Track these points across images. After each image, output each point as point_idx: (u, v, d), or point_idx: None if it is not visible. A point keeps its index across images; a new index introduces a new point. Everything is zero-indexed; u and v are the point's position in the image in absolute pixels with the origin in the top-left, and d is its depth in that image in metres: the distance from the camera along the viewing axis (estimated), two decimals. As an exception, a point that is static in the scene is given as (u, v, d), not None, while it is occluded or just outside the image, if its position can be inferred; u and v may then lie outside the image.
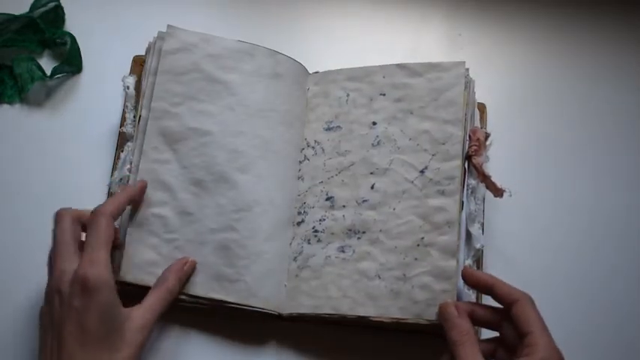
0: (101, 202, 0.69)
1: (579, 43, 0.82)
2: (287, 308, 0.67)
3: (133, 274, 0.66)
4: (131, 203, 0.66)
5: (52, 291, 0.59)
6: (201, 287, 0.66)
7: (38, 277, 0.69)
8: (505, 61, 0.81)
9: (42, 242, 0.70)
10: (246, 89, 0.71)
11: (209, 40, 0.72)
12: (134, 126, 0.70)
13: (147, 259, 0.66)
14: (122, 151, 0.70)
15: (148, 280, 0.65)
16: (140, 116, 0.70)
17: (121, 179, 0.69)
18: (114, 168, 0.71)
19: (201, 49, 0.71)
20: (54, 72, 0.75)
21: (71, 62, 0.76)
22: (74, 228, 0.62)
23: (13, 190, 0.73)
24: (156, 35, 0.72)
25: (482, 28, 0.83)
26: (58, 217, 0.63)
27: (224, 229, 0.67)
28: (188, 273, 0.66)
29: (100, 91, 0.76)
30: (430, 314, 0.63)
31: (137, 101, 0.72)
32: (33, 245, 0.70)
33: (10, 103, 0.75)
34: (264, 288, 0.67)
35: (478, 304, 0.65)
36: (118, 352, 0.58)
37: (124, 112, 0.72)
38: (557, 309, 0.71)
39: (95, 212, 0.61)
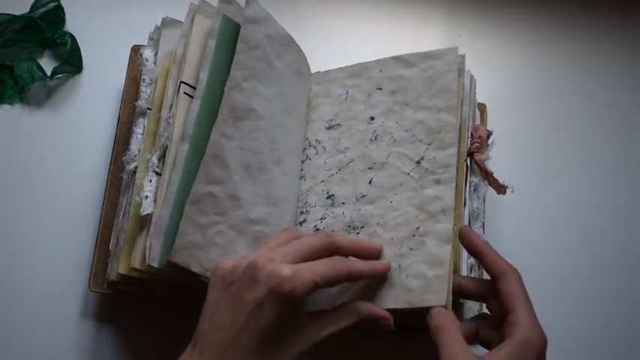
0: (101, 202, 0.70)
1: (579, 43, 0.83)
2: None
3: (180, 255, 0.60)
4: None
5: (255, 272, 0.54)
6: None
7: (39, 276, 0.70)
8: (505, 62, 0.82)
9: (42, 242, 0.70)
10: (285, 80, 0.69)
11: (270, 20, 0.69)
12: (150, 100, 0.68)
13: (193, 241, 0.61)
14: (134, 126, 0.68)
15: (192, 263, 0.60)
16: (182, 82, 0.65)
17: (137, 153, 0.66)
18: (114, 156, 0.70)
19: (264, 27, 0.68)
20: (54, 72, 0.75)
21: (71, 62, 0.76)
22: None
23: (13, 189, 0.72)
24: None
25: (482, 28, 0.83)
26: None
27: (260, 221, 0.64)
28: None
29: (100, 91, 0.76)
30: (424, 301, 0.60)
31: (166, 72, 0.68)
32: (33, 245, 0.71)
33: (11, 103, 0.75)
34: None
35: (466, 277, 0.63)
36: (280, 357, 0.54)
37: (131, 86, 0.71)
38: (557, 308, 0.72)
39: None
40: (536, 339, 0.54)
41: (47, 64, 0.76)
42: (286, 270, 0.53)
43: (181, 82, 0.65)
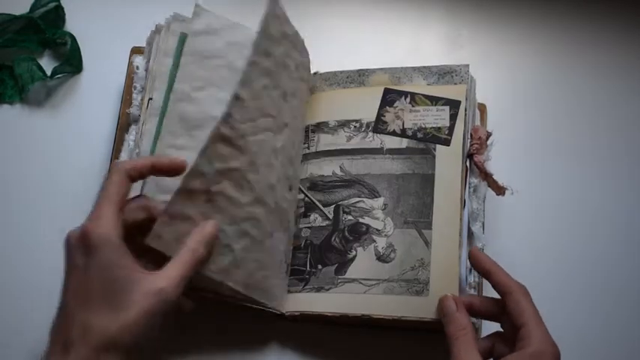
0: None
1: (580, 42, 0.82)
2: (288, 307, 0.67)
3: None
4: (156, 173, 0.60)
5: (65, 242, 0.57)
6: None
7: (38, 277, 0.70)
8: (505, 61, 0.82)
9: (42, 241, 0.70)
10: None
11: (234, 27, 0.70)
12: (141, 108, 0.69)
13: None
14: (127, 133, 0.69)
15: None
16: (150, 99, 0.68)
17: None
18: (114, 156, 0.70)
19: (225, 35, 0.69)
20: (54, 72, 0.75)
21: (71, 62, 0.76)
22: (121, 183, 0.57)
23: (13, 189, 0.73)
24: (170, 15, 0.71)
25: (483, 27, 0.83)
26: (111, 169, 0.59)
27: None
28: (213, 235, 0.59)
29: (100, 91, 0.76)
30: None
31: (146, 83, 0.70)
32: (33, 244, 0.71)
33: (11, 103, 0.75)
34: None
35: (477, 296, 0.65)
36: (122, 313, 0.53)
37: (127, 93, 0.72)
38: (557, 308, 0.71)
39: (110, 167, 0.59)
40: (548, 352, 0.56)
41: (47, 64, 0.76)
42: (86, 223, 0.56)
43: (149, 98, 0.68)
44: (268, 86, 0.65)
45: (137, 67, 0.71)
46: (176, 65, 0.69)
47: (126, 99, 0.72)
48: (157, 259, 0.58)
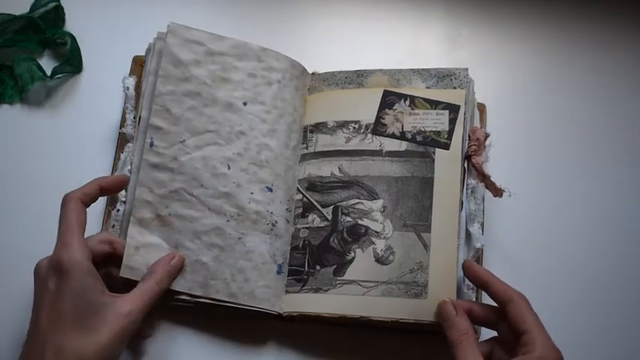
0: (100, 203, 0.70)
1: (580, 42, 0.82)
2: (286, 307, 0.68)
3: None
4: (103, 193, 0.65)
5: (35, 270, 0.60)
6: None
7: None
8: (505, 61, 0.81)
9: (42, 241, 0.70)
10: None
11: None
12: (134, 127, 0.70)
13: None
14: (122, 152, 0.70)
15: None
16: (140, 117, 0.70)
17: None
18: (114, 169, 0.71)
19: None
20: (54, 72, 0.75)
21: (71, 62, 0.76)
22: (78, 210, 0.61)
23: (13, 189, 0.73)
24: (156, 35, 0.72)
25: (483, 27, 0.82)
26: (64, 200, 0.62)
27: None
28: (177, 267, 0.65)
29: (100, 91, 0.76)
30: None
31: (137, 102, 0.72)
32: (33, 244, 0.70)
33: (11, 103, 0.76)
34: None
35: (476, 302, 0.65)
36: (95, 335, 0.57)
37: (124, 113, 0.72)
38: (556, 309, 0.72)
39: (63, 198, 0.61)
40: (552, 357, 0.57)
41: (47, 64, 0.76)
42: (55, 252, 0.59)
43: (139, 116, 0.70)
44: (196, 106, 0.70)
45: (127, 88, 0.72)
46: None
47: (123, 120, 0.74)
48: (119, 287, 0.63)
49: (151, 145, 0.69)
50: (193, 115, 0.70)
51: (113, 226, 0.68)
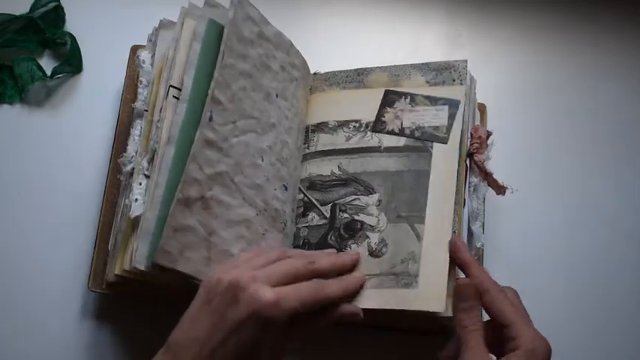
0: (101, 202, 0.70)
1: (580, 42, 0.82)
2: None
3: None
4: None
5: (234, 289, 0.55)
6: None
7: (39, 275, 0.70)
8: (505, 61, 0.82)
9: (41, 241, 0.70)
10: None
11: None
12: (146, 102, 0.68)
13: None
14: (132, 128, 0.68)
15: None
16: (171, 86, 0.65)
17: (133, 154, 0.66)
18: (114, 154, 0.70)
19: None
20: (54, 72, 0.75)
21: (71, 62, 0.76)
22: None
23: (13, 189, 0.73)
24: (188, 4, 0.69)
25: (483, 27, 0.83)
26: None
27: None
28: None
29: (100, 91, 0.76)
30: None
31: (159, 75, 0.68)
32: (33, 244, 0.71)
33: (11, 103, 0.76)
34: None
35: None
36: None
37: (129, 88, 0.72)
38: (556, 308, 0.72)
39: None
40: (542, 348, 0.55)
41: (47, 64, 0.77)
42: (269, 295, 0.54)
43: (170, 85, 0.65)
44: (247, 88, 0.66)
45: (143, 61, 0.70)
46: (207, 52, 0.66)
47: (126, 97, 0.72)
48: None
49: (210, 119, 0.63)
50: (244, 96, 0.66)
51: (136, 200, 0.63)
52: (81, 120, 0.75)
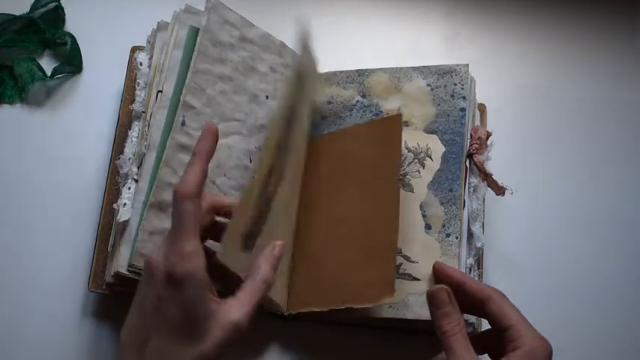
0: (101, 202, 0.70)
1: (579, 43, 0.82)
2: (290, 307, 0.67)
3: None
4: (208, 162, 0.57)
5: (147, 266, 0.55)
6: None
7: (39, 276, 0.70)
8: (505, 61, 0.81)
9: (42, 241, 0.70)
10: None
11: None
12: (145, 103, 0.69)
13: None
14: (129, 130, 0.69)
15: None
16: (159, 91, 0.67)
17: (131, 156, 0.67)
18: (114, 155, 0.71)
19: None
20: (54, 72, 0.75)
21: (71, 62, 0.76)
22: (196, 210, 0.55)
23: (13, 189, 0.73)
24: (180, 8, 0.70)
25: (482, 27, 0.83)
26: (180, 197, 0.55)
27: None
28: (280, 256, 0.60)
29: (100, 91, 0.76)
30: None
31: (154, 78, 0.69)
32: (33, 244, 0.71)
33: (11, 103, 0.75)
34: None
35: (469, 277, 0.62)
36: (198, 345, 0.53)
37: (129, 90, 0.72)
38: (556, 309, 0.72)
39: (177, 197, 0.54)
40: (541, 348, 0.55)
41: (47, 64, 0.76)
42: (171, 259, 0.54)
43: (158, 90, 0.67)
44: (228, 91, 0.67)
45: (140, 63, 0.70)
46: (186, 58, 0.67)
47: (126, 98, 0.72)
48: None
49: (183, 124, 0.65)
50: (223, 100, 0.67)
51: (125, 204, 0.64)
52: (81, 120, 0.75)
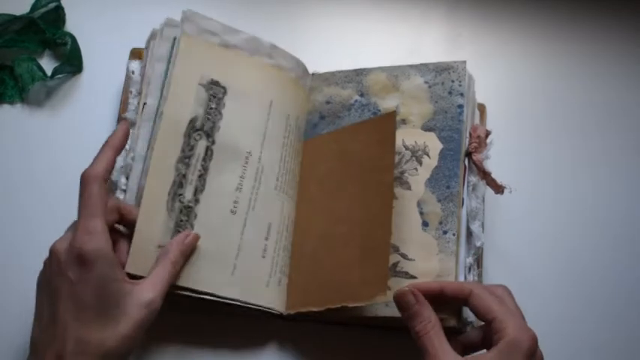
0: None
1: (579, 43, 0.82)
2: (288, 307, 0.67)
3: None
4: (118, 154, 0.62)
5: (52, 254, 0.57)
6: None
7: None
8: (505, 61, 0.81)
9: (42, 241, 0.70)
10: None
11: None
12: (137, 112, 0.70)
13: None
14: None
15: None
16: (144, 104, 0.68)
17: (123, 166, 0.68)
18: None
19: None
20: (54, 72, 0.76)
21: (71, 62, 0.76)
22: (101, 191, 0.58)
23: (13, 189, 0.73)
24: (163, 21, 0.71)
25: (483, 27, 0.83)
26: (85, 180, 0.59)
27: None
28: (191, 245, 0.63)
29: (100, 91, 0.76)
30: None
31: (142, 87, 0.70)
32: (34, 244, 0.70)
33: (11, 103, 0.76)
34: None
35: (445, 282, 0.62)
36: (117, 326, 0.55)
37: (125, 98, 0.72)
38: (555, 308, 0.71)
39: (84, 178, 0.58)
40: (523, 338, 0.55)
41: (47, 64, 0.77)
42: (77, 239, 0.56)
43: (144, 103, 0.68)
44: None
45: (132, 72, 0.71)
46: (167, 71, 0.69)
47: (126, 98, 0.73)
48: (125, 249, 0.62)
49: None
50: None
51: None
52: (81, 120, 0.75)
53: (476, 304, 0.57)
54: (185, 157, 0.66)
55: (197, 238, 0.64)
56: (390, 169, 0.64)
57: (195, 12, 0.70)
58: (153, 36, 0.72)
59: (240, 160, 0.68)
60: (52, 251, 0.57)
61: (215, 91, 0.69)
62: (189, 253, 0.63)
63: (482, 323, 0.59)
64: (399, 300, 0.59)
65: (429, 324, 0.57)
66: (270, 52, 0.72)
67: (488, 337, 0.57)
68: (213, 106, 0.68)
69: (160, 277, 0.59)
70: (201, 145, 0.67)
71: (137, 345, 0.57)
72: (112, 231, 0.61)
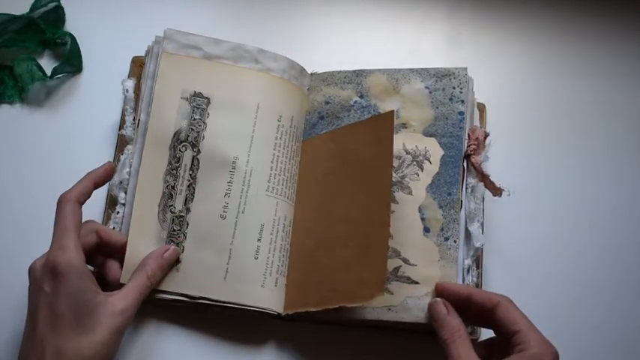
0: (101, 202, 0.70)
1: (581, 42, 0.82)
2: (286, 307, 0.68)
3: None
4: (96, 186, 0.64)
5: (30, 272, 0.60)
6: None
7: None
8: (505, 61, 0.81)
9: (41, 242, 0.70)
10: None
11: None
12: (134, 129, 0.70)
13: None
14: (122, 154, 0.70)
15: None
16: (139, 120, 0.70)
17: (120, 182, 0.69)
18: (114, 158, 0.71)
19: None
20: (54, 72, 0.75)
21: (71, 62, 0.76)
22: (74, 212, 0.61)
23: (13, 189, 0.73)
24: (154, 39, 0.72)
25: (483, 27, 0.82)
26: (60, 201, 0.62)
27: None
28: (170, 259, 0.66)
29: (100, 91, 0.76)
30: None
31: (136, 104, 0.72)
32: (32, 245, 0.70)
33: (11, 103, 0.76)
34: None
35: (474, 289, 0.64)
36: (92, 335, 0.58)
37: (123, 115, 0.72)
38: (555, 309, 0.72)
39: (60, 200, 0.62)
40: (547, 352, 0.57)
41: (47, 64, 0.76)
42: (51, 254, 0.59)
43: (138, 119, 0.70)
44: None
45: (127, 90, 0.72)
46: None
47: (121, 122, 0.74)
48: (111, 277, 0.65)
49: None
50: None
51: (113, 228, 0.68)
52: (81, 120, 0.75)
53: (503, 316, 0.59)
54: (172, 169, 0.68)
55: (177, 251, 0.66)
56: (388, 168, 0.64)
57: (176, 30, 0.71)
58: (147, 53, 0.72)
59: (227, 166, 0.69)
60: (30, 269, 0.61)
61: (198, 103, 0.70)
62: (167, 266, 0.66)
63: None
64: (432, 310, 0.62)
65: (457, 332, 0.59)
66: (256, 56, 0.72)
67: (502, 350, 0.59)
68: (197, 117, 0.70)
69: (133, 288, 0.62)
70: (188, 155, 0.69)
71: (115, 352, 0.60)
72: (97, 252, 0.65)
